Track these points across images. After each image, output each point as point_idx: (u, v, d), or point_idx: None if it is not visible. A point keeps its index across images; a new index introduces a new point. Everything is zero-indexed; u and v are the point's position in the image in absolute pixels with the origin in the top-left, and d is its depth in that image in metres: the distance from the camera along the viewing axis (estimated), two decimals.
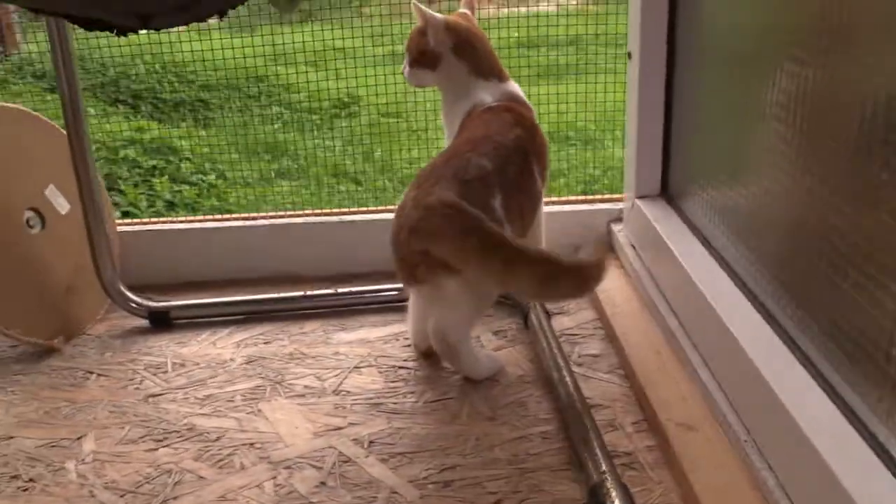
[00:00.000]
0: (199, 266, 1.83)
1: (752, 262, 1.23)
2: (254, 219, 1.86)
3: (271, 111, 4.59)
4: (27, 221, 1.61)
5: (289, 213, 1.88)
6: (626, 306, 1.57)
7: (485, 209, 1.31)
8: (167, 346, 1.60)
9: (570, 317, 1.63)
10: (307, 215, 1.87)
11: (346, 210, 1.88)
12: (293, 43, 2.23)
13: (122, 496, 1.19)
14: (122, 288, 1.66)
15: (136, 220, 1.94)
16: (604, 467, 1.12)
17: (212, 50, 2.19)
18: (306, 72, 2.80)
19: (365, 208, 1.89)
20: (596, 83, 2.05)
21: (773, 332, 1.13)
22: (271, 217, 1.87)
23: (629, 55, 1.62)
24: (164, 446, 1.30)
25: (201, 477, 1.23)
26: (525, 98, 1.55)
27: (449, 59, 1.52)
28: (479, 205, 1.30)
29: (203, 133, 4.46)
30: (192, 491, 1.19)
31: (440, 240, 1.27)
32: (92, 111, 3.90)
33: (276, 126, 4.16)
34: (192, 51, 2.27)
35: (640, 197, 1.65)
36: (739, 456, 1.12)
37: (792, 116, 1.06)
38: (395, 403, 1.38)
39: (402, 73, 1.58)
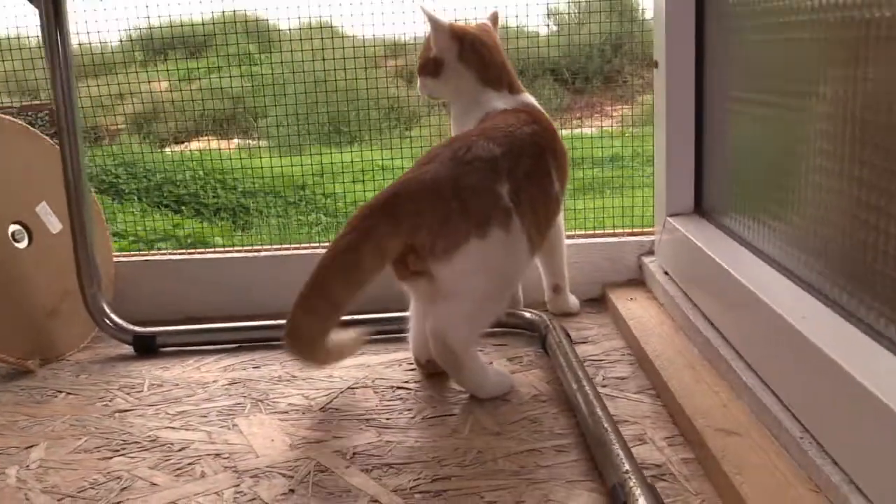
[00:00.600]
0: (198, 301, 1.70)
1: (812, 263, 1.05)
2: (256, 251, 1.74)
3: (310, 218, 4.59)
4: (12, 234, 1.52)
5: (292, 245, 1.76)
6: (657, 330, 1.38)
7: (489, 195, 1.17)
8: (148, 371, 1.45)
9: (596, 345, 1.44)
10: (310, 248, 1.75)
11: None
12: (341, 162, 2.20)
13: (59, 500, 1.02)
14: (107, 309, 1.53)
15: (134, 252, 1.84)
16: (626, 467, 0.92)
17: (259, 159, 2.14)
18: (352, 181, 2.81)
19: None
20: (633, 197, 1.93)
21: (845, 321, 0.94)
22: (274, 249, 1.75)
23: (655, 64, 1.51)
24: (119, 455, 1.13)
25: (153, 484, 1.05)
26: (542, 110, 1.44)
27: (454, 66, 1.41)
28: (479, 188, 1.17)
29: (240, 234, 4.45)
30: (140, 497, 1.02)
31: (407, 222, 1.14)
32: (135, 212, 3.92)
33: (313, 231, 4.13)
34: (241, 166, 2.23)
35: (673, 215, 1.49)
36: (794, 456, 0.92)
37: (839, 122, 0.93)
38: (387, 419, 1.20)
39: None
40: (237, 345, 1.54)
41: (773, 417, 0.98)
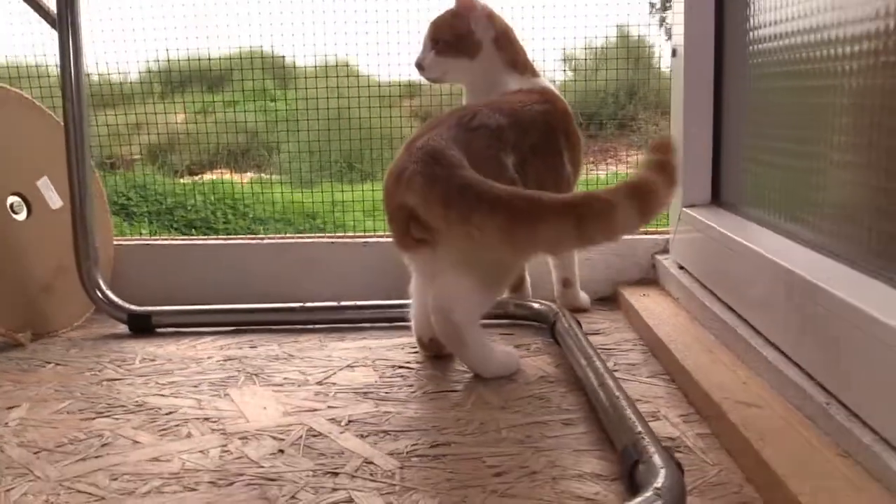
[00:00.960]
0: (199, 287, 1.65)
1: (844, 238, 1.00)
2: (259, 239, 1.70)
3: None
4: (11, 206, 1.48)
5: (294, 234, 1.72)
6: (672, 320, 1.32)
7: (493, 163, 1.13)
8: (142, 348, 1.39)
9: (607, 336, 1.38)
10: (313, 237, 1.70)
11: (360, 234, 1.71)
12: (352, 200, 2.19)
13: (35, 453, 0.96)
14: (102, 285, 1.48)
15: (135, 237, 1.80)
16: (639, 429, 0.86)
17: (271, 193, 2.13)
18: (362, 213, 2.79)
19: (378, 232, 1.72)
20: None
21: (872, 278, 0.88)
22: (277, 238, 1.71)
23: (674, 51, 1.48)
24: (103, 417, 1.08)
25: (136, 442, 0.99)
26: (559, 94, 1.40)
27: (489, 49, 1.38)
28: (483, 156, 1.12)
29: None
30: (120, 452, 0.96)
31: (410, 190, 1.09)
32: (144, 232, 3.92)
33: None
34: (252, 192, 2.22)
35: (689, 206, 1.45)
36: (820, 424, 0.86)
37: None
38: (386, 393, 1.14)
39: (417, 65, 1.41)
40: (235, 327, 1.49)
41: (796, 388, 0.92)
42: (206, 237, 1.73)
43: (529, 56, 1.44)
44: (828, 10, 1.00)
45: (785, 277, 0.99)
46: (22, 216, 1.50)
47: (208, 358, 1.32)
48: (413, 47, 1.45)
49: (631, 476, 0.80)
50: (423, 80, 1.43)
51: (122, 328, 1.50)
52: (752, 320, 1.12)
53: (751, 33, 1.28)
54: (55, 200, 1.55)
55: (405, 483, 0.86)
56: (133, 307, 1.49)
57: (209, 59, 2.90)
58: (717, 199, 1.45)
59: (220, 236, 1.74)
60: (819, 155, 1.04)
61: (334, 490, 0.85)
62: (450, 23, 1.39)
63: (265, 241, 1.68)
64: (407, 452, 0.94)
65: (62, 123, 1.46)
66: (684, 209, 1.44)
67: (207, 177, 4.72)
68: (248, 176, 4.99)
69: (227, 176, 4.42)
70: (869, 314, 0.78)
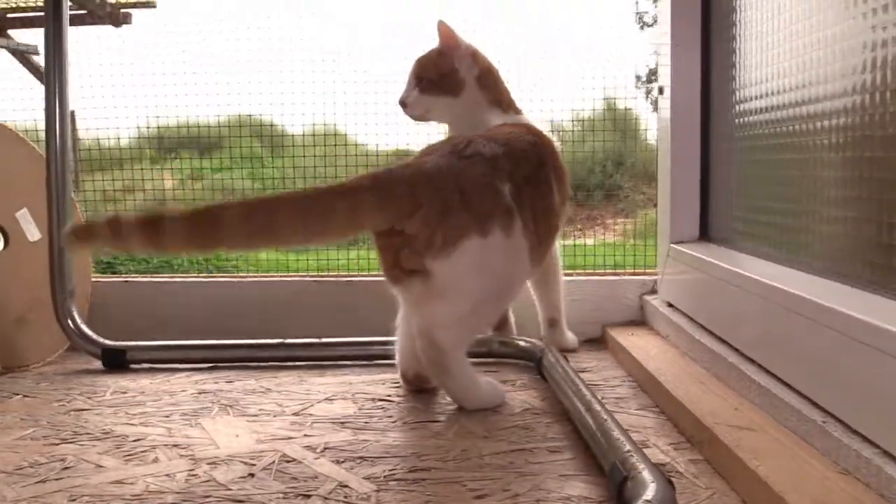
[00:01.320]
0: (178, 325, 1.60)
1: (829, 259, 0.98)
2: (241, 277, 1.67)
3: None
4: None
5: (276, 273, 1.69)
6: (661, 356, 1.29)
7: (490, 190, 1.11)
8: (115, 382, 1.34)
9: (595, 374, 1.34)
10: (295, 276, 1.67)
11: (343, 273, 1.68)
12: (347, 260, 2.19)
13: None
14: (77, 319, 1.44)
15: (116, 274, 1.77)
16: (628, 448, 0.82)
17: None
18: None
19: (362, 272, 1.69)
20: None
21: (866, 292, 0.86)
22: (258, 276, 1.68)
23: (661, 90, 1.48)
24: (67, 444, 1.03)
25: (100, 466, 0.94)
26: (542, 130, 1.39)
27: (472, 87, 1.37)
28: (482, 183, 1.10)
29: None
30: (82, 475, 0.91)
31: (396, 205, 1.06)
32: None
33: None
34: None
35: (677, 242, 1.43)
36: (817, 444, 0.82)
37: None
38: (365, 423, 1.09)
39: (401, 103, 1.38)
40: (212, 364, 1.44)
41: (790, 409, 0.88)
42: (185, 275, 1.69)
43: (514, 96, 1.44)
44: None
45: (776, 297, 0.96)
46: None
47: (182, 391, 1.27)
48: (402, 117, 1.44)
49: (620, 494, 0.76)
50: (415, 150, 1.39)
51: (97, 364, 1.45)
52: (743, 348, 1.09)
53: (737, 93, 1.29)
54: (34, 233, 1.52)
55: None
56: (107, 342, 1.44)
57: (199, 126, 2.91)
58: (705, 235, 1.43)
59: (200, 274, 1.71)
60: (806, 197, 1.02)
61: None
62: (434, 61, 1.39)
63: (247, 279, 1.65)
64: (384, 477, 0.89)
65: (43, 155, 1.44)
66: (672, 245, 1.42)
67: None
68: None
69: None
70: (863, 320, 0.76)
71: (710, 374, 1.14)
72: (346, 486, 0.86)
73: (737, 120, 1.30)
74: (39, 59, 2.86)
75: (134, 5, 6.63)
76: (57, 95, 1.43)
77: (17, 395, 1.27)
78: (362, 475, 0.89)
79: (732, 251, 1.28)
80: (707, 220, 1.43)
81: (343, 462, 0.94)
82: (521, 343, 1.41)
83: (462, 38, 1.37)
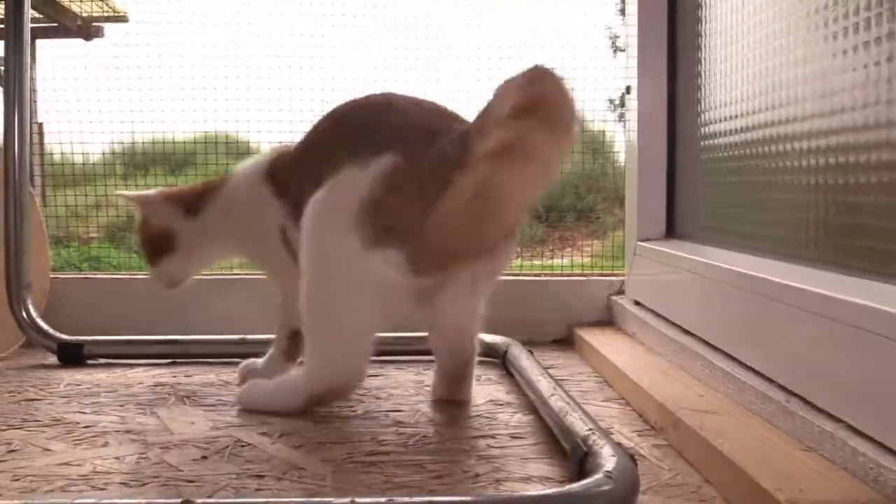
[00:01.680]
0: (138, 322, 1.57)
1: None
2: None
3: None
4: None
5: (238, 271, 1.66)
6: (628, 352, 1.28)
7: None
8: (70, 375, 1.30)
9: (561, 370, 1.33)
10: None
11: None
12: None
13: None
14: (33, 313, 1.40)
15: (73, 272, 1.73)
16: (589, 426, 0.81)
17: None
18: None
19: None
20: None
21: (833, 272, 0.86)
22: (221, 273, 1.65)
23: (628, 89, 1.49)
24: (15, 430, 0.99)
25: (47, 450, 0.91)
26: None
27: (189, 224, 1.17)
28: None
29: None
30: (28, 458, 0.88)
31: None
32: None
33: None
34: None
35: (644, 240, 1.43)
36: (781, 425, 0.81)
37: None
38: (327, 412, 1.06)
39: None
40: (172, 360, 1.41)
41: (755, 392, 0.87)
42: (145, 272, 1.65)
43: None
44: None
45: (738, 282, 0.96)
46: None
47: (139, 384, 1.24)
48: None
49: (581, 468, 0.74)
50: None
51: (53, 359, 1.41)
52: (708, 336, 1.08)
53: (701, 102, 1.30)
54: None
55: (337, 485, 0.79)
56: (63, 336, 1.40)
57: (174, 141, 2.89)
58: (671, 232, 1.43)
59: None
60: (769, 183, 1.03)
61: (258, 490, 0.78)
62: (141, 232, 1.21)
63: (211, 277, 1.62)
64: (342, 460, 0.87)
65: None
66: (639, 243, 1.42)
67: None
68: None
69: None
70: (819, 293, 0.75)
71: (677, 365, 1.14)
72: (300, 469, 0.84)
73: (701, 123, 1.30)
74: None
75: (106, 19, 6.60)
76: (16, 85, 1.40)
77: None
78: (318, 458, 0.87)
79: (698, 245, 1.28)
80: (673, 217, 1.42)
81: (300, 447, 0.91)
82: (487, 339, 1.39)
83: (141, 193, 1.22)
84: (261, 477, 0.81)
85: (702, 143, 1.31)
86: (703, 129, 1.30)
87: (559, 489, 0.71)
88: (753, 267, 0.97)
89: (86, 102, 2.02)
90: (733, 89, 1.17)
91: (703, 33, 1.29)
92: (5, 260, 1.39)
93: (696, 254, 1.18)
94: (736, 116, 1.16)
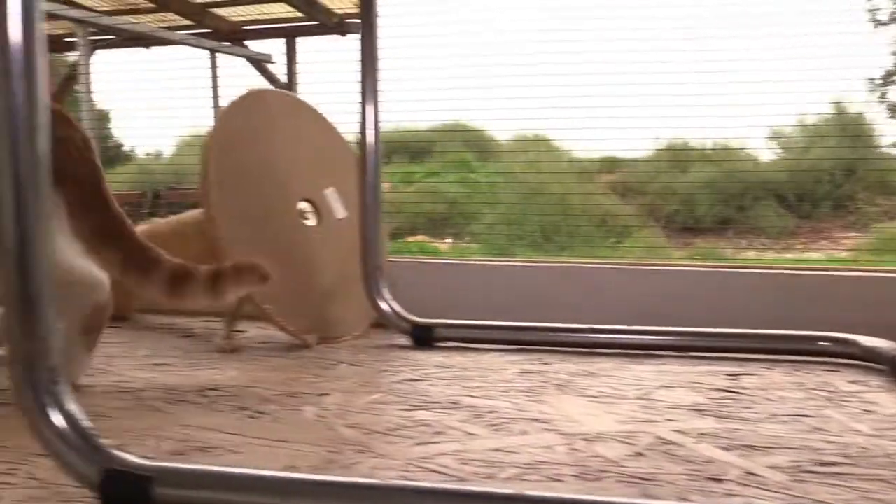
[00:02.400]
0: (469, 307, 1.59)
1: None
2: (533, 262, 1.63)
3: None
4: (302, 212, 1.50)
5: (574, 259, 1.63)
6: None
7: None
8: (428, 357, 1.33)
9: None
10: (607, 262, 1.61)
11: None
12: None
13: (366, 434, 0.91)
14: (388, 298, 1.45)
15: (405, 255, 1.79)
16: None
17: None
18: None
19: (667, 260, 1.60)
20: None
21: None
22: (557, 262, 1.63)
23: None
24: (421, 410, 1.02)
25: (469, 433, 0.92)
26: None
27: None
28: None
29: None
30: (457, 441, 0.88)
31: None
32: None
33: None
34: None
35: None
36: None
37: None
38: (724, 412, 1.00)
39: None
40: (520, 346, 1.41)
41: None
42: (482, 258, 1.67)
43: None
44: None
45: None
46: (310, 223, 1.51)
47: (503, 369, 1.24)
48: (612, 121, 1.35)
49: None
50: (623, 156, 1.30)
51: (402, 340, 1.45)
52: None
53: None
54: (339, 210, 1.56)
55: (811, 497, 0.72)
56: (417, 319, 1.44)
57: (412, 131, 2.94)
58: None
59: (490, 257, 1.69)
60: None
61: (729, 495, 0.73)
62: None
63: (545, 265, 1.61)
64: (791, 468, 0.80)
65: (344, 138, 1.48)
66: None
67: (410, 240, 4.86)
68: (447, 242, 5.07)
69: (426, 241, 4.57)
70: None
71: None
72: (753, 474, 0.78)
73: None
74: (272, 67, 3.02)
75: (359, 15, 6.99)
76: (371, 88, 1.46)
77: (343, 363, 1.29)
78: (762, 464, 0.80)
79: None
80: None
81: (730, 449, 0.85)
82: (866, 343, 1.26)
83: None
84: (718, 480, 0.76)
85: None
86: None
87: None
88: None
89: (337, 95, 2.09)
90: None
91: None
92: (361, 247, 1.45)
93: None
94: None
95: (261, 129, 1.46)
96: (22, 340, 0.70)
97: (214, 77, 3.10)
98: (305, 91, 2.09)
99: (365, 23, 1.46)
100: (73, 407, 0.71)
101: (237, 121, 1.43)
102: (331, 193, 1.56)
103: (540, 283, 1.58)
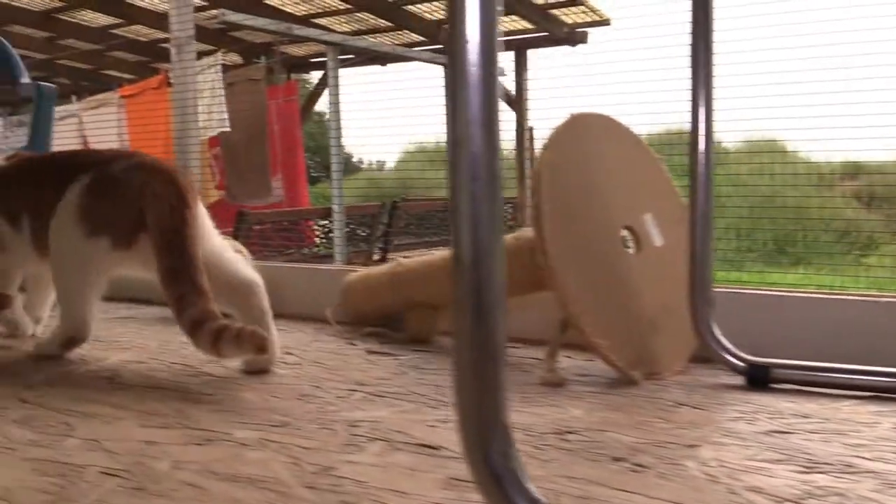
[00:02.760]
0: (799, 344, 1.46)
1: None
2: (874, 297, 1.47)
3: None
4: (623, 240, 1.45)
5: None
6: None
7: None
8: (776, 403, 1.23)
9: None
10: None
11: None
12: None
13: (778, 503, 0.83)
14: (718, 333, 1.36)
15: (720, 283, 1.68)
16: None
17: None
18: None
19: None
20: None
21: None
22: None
23: None
24: (815, 473, 0.92)
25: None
26: None
27: None
28: None
29: None
30: None
31: None
32: None
33: None
34: None
35: None
36: None
37: None
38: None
39: None
40: (875, 393, 1.27)
41: None
42: (809, 289, 1.54)
43: None
44: None
45: None
46: (631, 250, 1.46)
47: (874, 423, 1.11)
48: (855, 121, 1.14)
49: None
50: (867, 160, 1.09)
51: (727, 378, 1.36)
52: None
53: None
54: (657, 237, 1.49)
55: None
56: (751, 357, 1.34)
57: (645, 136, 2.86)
58: None
59: (821, 290, 1.55)
60: None
61: None
62: None
63: (883, 300, 1.45)
64: None
65: (659, 161, 1.40)
66: None
67: None
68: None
69: None
70: None
71: None
72: None
73: None
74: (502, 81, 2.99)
75: (589, 25, 6.85)
76: (704, 98, 1.37)
77: (682, 405, 1.22)
78: None
79: None
80: None
81: None
82: None
83: None
84: None
85: None
86: None
87: None
88: None
89: (569, 102, 2.03)
90: None
91: None
92: (690, 276, 1.37)
93: None
94: None
95: (589, 155, 1.43)
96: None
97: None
98: (534, 103, 2.04)
99: (696, 26, 1.36)
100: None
101: (566, 147, 1.41)
102: (648, 219, 1.49)
103: (876, 321, 1.42)
